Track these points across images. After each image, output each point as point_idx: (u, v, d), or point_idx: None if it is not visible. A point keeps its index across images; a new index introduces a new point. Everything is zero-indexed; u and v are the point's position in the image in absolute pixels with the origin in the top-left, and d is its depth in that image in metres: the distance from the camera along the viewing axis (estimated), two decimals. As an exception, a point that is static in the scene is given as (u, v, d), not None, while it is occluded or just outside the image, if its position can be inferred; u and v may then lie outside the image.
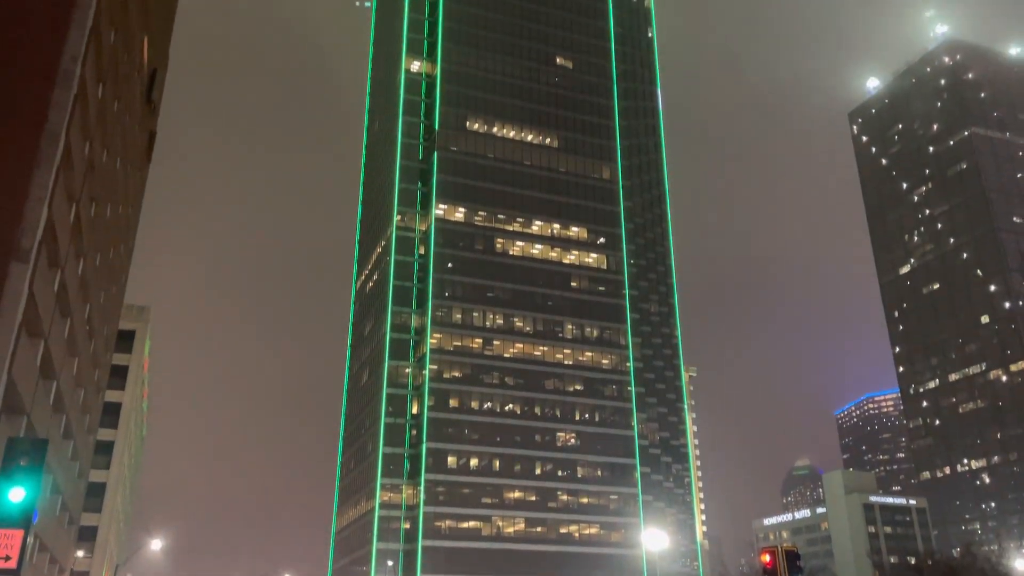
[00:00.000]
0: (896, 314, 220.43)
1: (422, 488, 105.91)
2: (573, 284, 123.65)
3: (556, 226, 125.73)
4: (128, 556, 75.26)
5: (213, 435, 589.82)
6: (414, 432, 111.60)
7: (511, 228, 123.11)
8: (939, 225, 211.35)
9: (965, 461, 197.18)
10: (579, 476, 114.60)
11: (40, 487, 18.86)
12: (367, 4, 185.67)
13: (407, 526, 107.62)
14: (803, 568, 28.54)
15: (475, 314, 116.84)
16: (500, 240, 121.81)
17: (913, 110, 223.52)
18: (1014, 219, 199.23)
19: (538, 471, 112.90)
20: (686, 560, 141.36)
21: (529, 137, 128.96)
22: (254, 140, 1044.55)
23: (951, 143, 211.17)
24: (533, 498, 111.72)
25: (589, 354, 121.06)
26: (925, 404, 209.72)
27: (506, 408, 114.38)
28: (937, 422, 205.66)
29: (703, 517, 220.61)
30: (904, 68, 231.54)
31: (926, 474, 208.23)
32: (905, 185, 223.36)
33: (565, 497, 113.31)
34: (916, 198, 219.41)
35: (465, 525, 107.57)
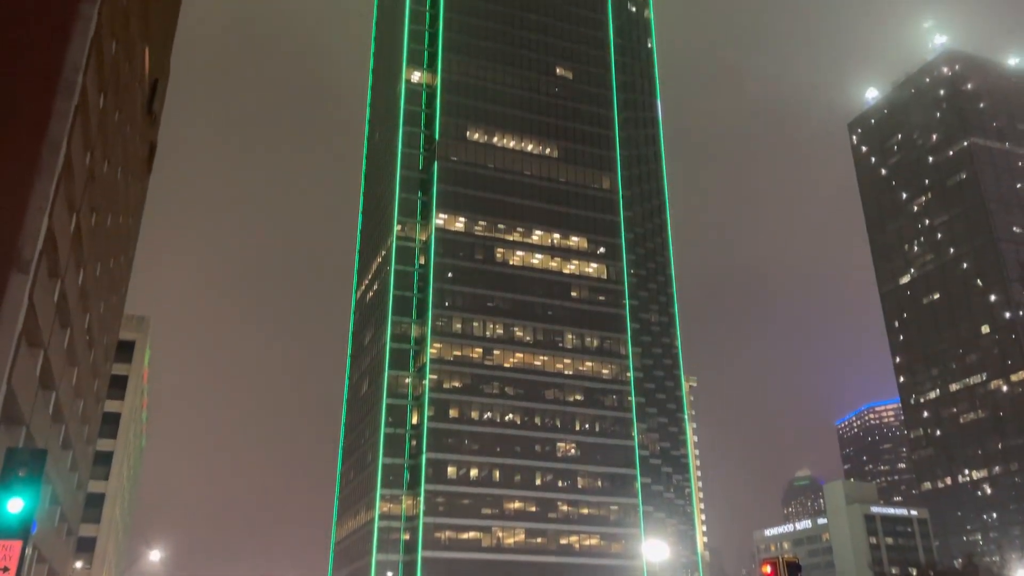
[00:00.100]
0: (896, 324, 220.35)
1: (422, 499, 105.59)
2: (573, 294, 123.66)
3: (556, 236, 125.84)
4: (127, 567, 74.98)
5: (212, 445, 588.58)
6: (414, 442, 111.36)
7: (511, 238, 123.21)
8: (939, 235, 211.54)
9: (966, 471, 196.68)
10: (579, 487, 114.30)
11: (39, 498, 18.78)
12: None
13: (407, 537, 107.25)
14: (805, 579, 28.37)
15: (475, 324, 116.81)
16: (500, 250, 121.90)
17: (912, 120, 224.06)
18: (1014, 229, 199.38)
19: (538, 481, 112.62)
20: (687, 571, 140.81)
21: (529, 147, 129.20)
22: (254, 150, 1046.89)
23: (950, 153, 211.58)
24: (533, 509, 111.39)
25: (589, 364, 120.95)
26: (926, 414, 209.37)
27: (506, 418, 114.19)
28: (938, 432, 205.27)
29: (704, 528, 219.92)
30: (903, 78, 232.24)
31: (927, 484, 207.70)
32: (905, 195, 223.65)
33: (565, 508, 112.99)
34: (916, 208, 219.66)
35: (465, 536, 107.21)
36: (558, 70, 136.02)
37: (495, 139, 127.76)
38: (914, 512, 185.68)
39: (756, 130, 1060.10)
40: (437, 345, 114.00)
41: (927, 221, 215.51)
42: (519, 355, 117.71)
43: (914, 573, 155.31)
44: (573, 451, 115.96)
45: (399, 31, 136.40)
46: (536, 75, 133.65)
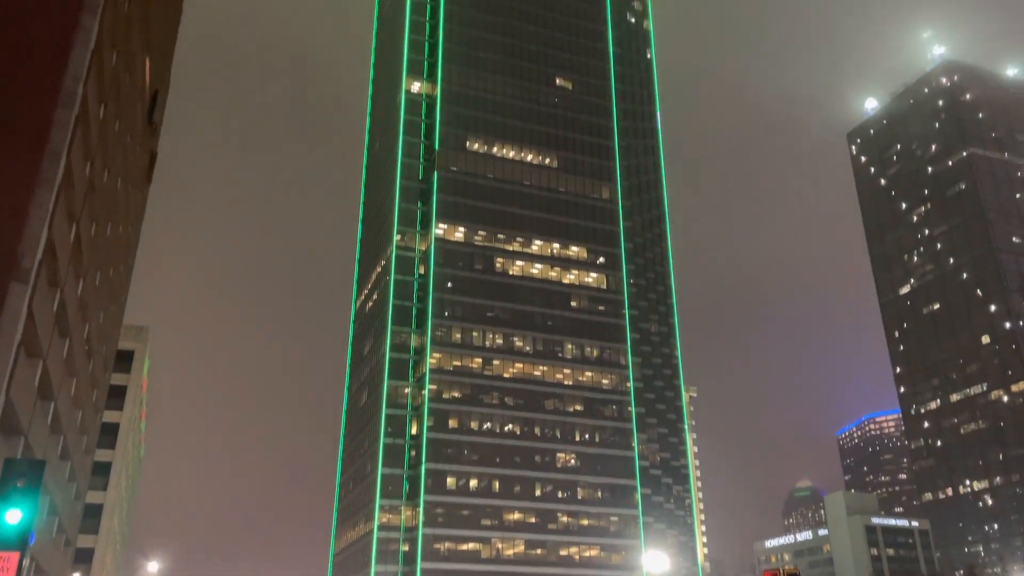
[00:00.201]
0: (896, 334, 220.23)
1: (421, 510, 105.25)
2: (573, 304, 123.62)
3: (556, 246, 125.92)
4: (125, 578, 74.66)
5: (211, 455, 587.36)
6: (413, 453, 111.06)
7: (511, 248, 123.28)
8: (938, 245, 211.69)
9: (967, 482, 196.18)
10: (579, 497, 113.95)
11: (37, 508, 18.69)
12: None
13: (406, 548, 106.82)
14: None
15: (475, 334, 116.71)
16: (500, 260, 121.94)
17: (911, 131, 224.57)
18: (1013, 239, 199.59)
19: (538, 492, 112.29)
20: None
21: (529, 157, 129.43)
22: (254, 159, 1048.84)
23: (950, 163, 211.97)
24: (533, 520, 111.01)
25: (589, 374, 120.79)
26: (927, 425, 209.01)
27: (506, 428, 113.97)
28: (939, 443, 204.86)
29: (704, 539, 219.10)
30: (902, 89, 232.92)
31: (928, 495, 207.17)
32: (904, 205, 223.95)
33: (565, 519, 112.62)
34: (915, 218, 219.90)
35: (464, 547, 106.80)
36: (558, 81, 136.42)
37: (495, 149, 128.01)
38: (915, 523, 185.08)
39: (755, 140, 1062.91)
40: (437, 355, 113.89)
41: (927, 231, 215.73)
42: (519, 365, 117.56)
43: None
44: (573, 462, 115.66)
45: (399, 42, 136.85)
46: (536, 86, 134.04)
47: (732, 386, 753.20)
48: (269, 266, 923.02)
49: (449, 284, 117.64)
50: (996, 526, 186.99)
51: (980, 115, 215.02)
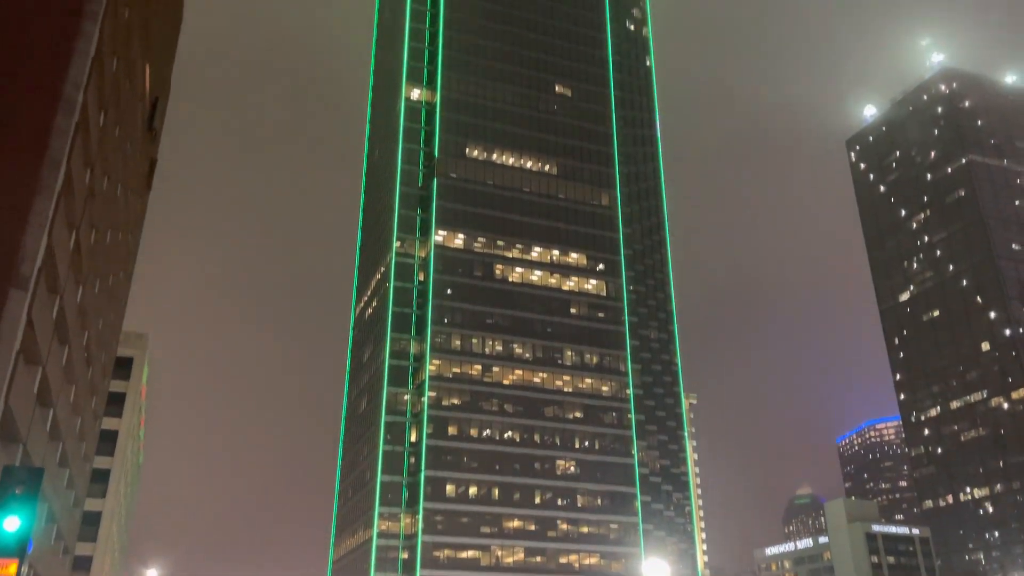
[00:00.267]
0: (896, 341, 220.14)
1: (420, 517, 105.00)
2: (572, 311, 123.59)
3: (555, 253, 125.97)
4: (123, 586, 74.43)
5: (210, 461, 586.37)
6: (413, 460, 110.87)
7: (510, 255, 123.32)
8: (938, 252, 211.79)
9: (968, 490, 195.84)
10: (579, 505, 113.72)
11: (35, 516, 18.64)
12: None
13: (405, 556, 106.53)
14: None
15: (474, 341, 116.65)
16: (499, 267, 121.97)
17: (910, 138, 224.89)
18: (1013, 246, 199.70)
19: (538, 500, 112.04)
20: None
21: (528, 164, 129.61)
22: (254, 166, 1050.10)
23: (949, 170, 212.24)
24: (532, 527, 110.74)
25: (589, 381, 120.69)
26: (927, 432, 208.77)
27: (505, 436, 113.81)
28: (939, 450, 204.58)
29: (704, 547, 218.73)
30: (901, 96, 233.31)
31: (929, 503, 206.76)
32: (903, 212, 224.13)
33: (565, 526, 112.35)
34: (915, 225, 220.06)
35: (464, 555, 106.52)
36: (557, 88, 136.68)
37: (494, 156, 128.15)
38: (916, 531, 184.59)
39: (755, 147, 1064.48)
40: (436, 362, 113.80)
41: (926, 238, 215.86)
42: (518, 372, 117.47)
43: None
44: (572, 469, 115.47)
45: (399, 49, 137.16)
46: (535, 93, 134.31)
47: (732, 393, 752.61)
48: (269, 272, 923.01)
49: (448, 291, 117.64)
50: (997, 534, 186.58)
51: (979, 122, 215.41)
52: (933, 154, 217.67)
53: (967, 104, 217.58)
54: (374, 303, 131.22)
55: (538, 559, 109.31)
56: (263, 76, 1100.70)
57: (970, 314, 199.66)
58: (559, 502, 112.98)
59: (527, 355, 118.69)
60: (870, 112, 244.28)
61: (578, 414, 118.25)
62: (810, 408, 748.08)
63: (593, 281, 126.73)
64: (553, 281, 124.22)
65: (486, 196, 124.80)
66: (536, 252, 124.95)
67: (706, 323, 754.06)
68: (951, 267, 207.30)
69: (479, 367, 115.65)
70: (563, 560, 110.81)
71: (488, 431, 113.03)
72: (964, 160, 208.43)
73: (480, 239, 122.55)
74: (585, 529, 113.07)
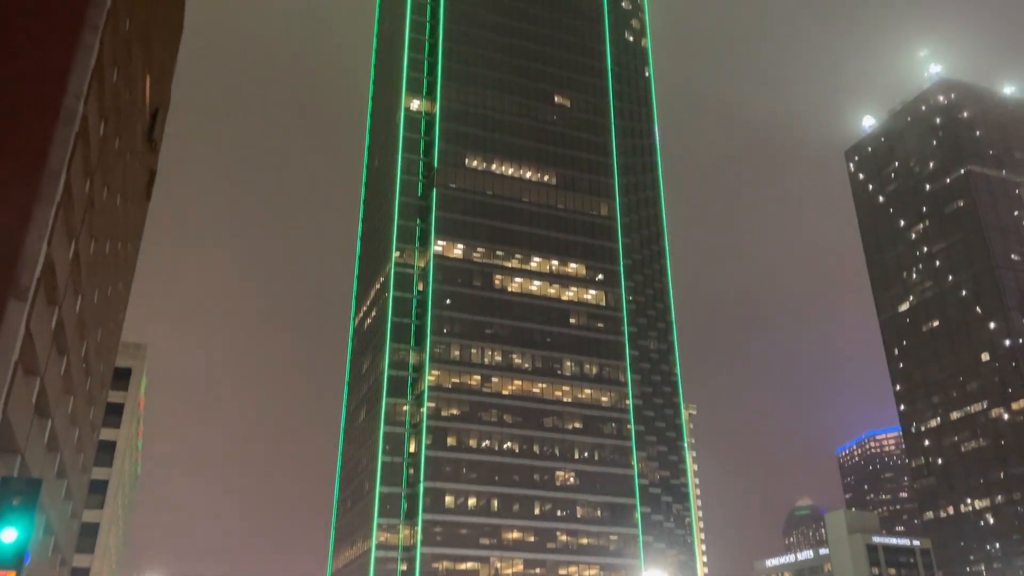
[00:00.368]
0: (896, 352, 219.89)
1: (419, 528, 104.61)
2: (572, 321, 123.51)
3: (555, 262, 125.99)
4: (120, 598, 74.08)
5: (207, 471, 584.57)
6: (412, 471, 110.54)
7: (510, 265, 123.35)
8: (937, 262, 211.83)
9: (968, 501, 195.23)
10: (578, 516, 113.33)
11: (33, 528, 18.54)
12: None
13: (404, 567, 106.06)
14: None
15: (473, 351, 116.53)
16: (499, 276, 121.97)
17: (909, 148, 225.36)
18: (1012, 256, 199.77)
19: (537, 511, 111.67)
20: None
21: (528, 174, 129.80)
22: (253, 175, 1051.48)
23: (947, 181, 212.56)
24: (532, 539, 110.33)
25: (588, 391, 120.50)
26: (927, 443, 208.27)
27: (504, 446, 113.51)
28: (939, 461, 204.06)
29: (704, 558, 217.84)
30: (899, 107, 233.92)
31: (929, 514, 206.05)
32: (903, 222, 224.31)
33: (564, 538, 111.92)
34: (914, 235, 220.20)
35: (463, 566, 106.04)
36: (556, 98, 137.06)
37: (494, 166, 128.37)
38: (917, 542, 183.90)
39: (754, 158, 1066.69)
40: (435, 372, 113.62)
41: (925, 248, 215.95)
42: (518, 382, 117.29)
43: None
44: (572, 480, 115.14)
45: (399, 60, 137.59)
46: (535, 103, 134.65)
47: (732, 403, 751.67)
48: (268, 283, 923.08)
49: (448, 301, 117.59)
50: (998, 545, 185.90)
51: (977, 133, 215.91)
52: (932, 164, 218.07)
53: (965, 115, 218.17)
54: (373, 313, 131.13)
55: (537, 571, 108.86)
56: (263, 86, 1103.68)
57: (970, 324, 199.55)
58: (558, 513, 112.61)
59: (526, 365, 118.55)
60: (869, 123, 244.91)
61: (577, 425, 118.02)
62: (810, 419, 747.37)
63: (592, 291, 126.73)
64: (552, 291, 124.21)
65: (485, 206, 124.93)
66: (535, 262, 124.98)
67: (705, 333, 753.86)
68: (950, 277, 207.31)
69: (478, 377, 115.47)
70: (562, 572, 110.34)
71: (487, 442, 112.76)
72: (963, 170, 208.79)
73: (479, 249, 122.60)
74: (585, 541, 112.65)
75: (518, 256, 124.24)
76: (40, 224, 25.43)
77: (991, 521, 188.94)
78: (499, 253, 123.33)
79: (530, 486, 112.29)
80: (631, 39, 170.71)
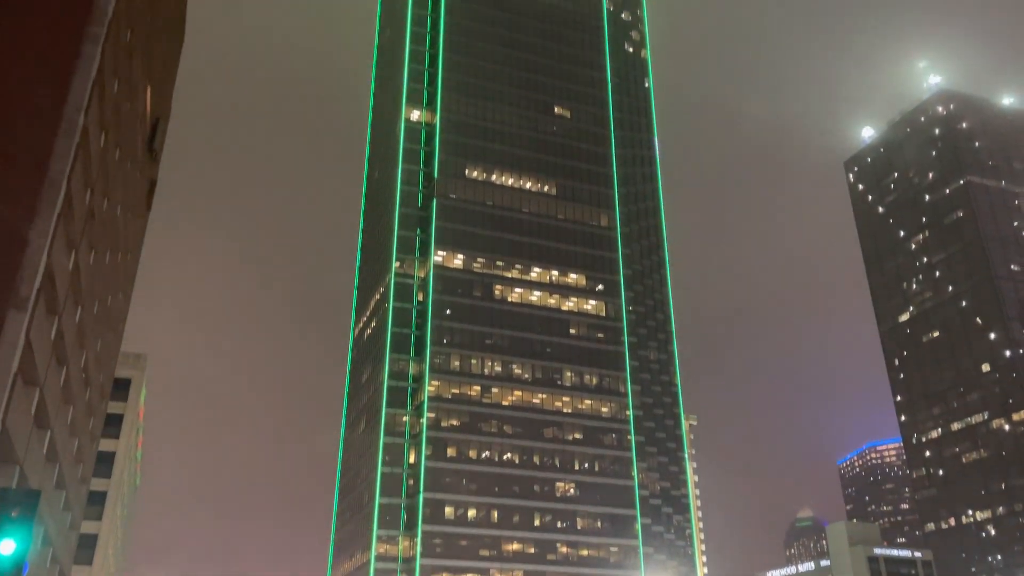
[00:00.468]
0: (896, 362, 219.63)
1: (419, 540, 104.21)
2: (572, 331, 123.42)
3: (554, 273, 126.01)
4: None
5: (207, 481, 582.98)
6: (411, 482, 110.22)
7: (509, 275, 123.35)
8: (937, 273, 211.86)
9: (970, 512, 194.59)
10: (579, 527, 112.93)
11: (31, 539, 18.47)
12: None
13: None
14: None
15: (473, 361, 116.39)
16: (499, 287, 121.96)
17: (908, 159, 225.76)
18: (1012, 267, 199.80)
19: (537, 522, 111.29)
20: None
21: (527, 185, 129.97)
22: (252, 184, 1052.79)
23: (947, 191, 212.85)
24: (532, 550, 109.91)
25: (588, 402, 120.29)
26: (928, 454, 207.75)
27: (504, 457, 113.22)
28: (940, 472, 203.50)
29: (705, 570, 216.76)
30: (899, 117, 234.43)
31: (931, 525, 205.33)
32: (902, 233, 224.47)
33: (564, 549, 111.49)
34: (914, 246, 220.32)
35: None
36: (556, 109, 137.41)
37: (494, 177, 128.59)
38: (918, 554, 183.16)
39: (753, 168, 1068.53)
40: (435, 383, 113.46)
41: (925, 259, 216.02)
42: (517, 393, 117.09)
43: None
44: (572, 491, 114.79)
45: (399, 70, 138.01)
46: (535, 114, 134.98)
47: (732, 414, 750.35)
48: (268, 293, 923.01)
49: (448, 311, 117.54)
50: (999, 556, 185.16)
51: (976, 143, 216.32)
52: (931, 175, 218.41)
53: (964, 125, 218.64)
54: (373, 323, 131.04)
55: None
56: (263, 97, 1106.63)
57: (970, 335, 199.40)
58: (558, 524, 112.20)
59: (526, 376, 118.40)
60: (868, 133, 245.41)
61: (577, 435, 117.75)
62: (811, 429, 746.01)
63: (592, 301, 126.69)
64: (552, 301, 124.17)
65: (485, 216, 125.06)
66: (535, 272, 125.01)
67: (706, 344, 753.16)
68: (950, 288, 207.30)
69: (478, 388, 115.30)
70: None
71: (487, 452, 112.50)
72: (962, 181, 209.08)
73: (479, 259, 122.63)
74: (585, 552, 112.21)
75: (518, 266, 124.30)
76: (40, 234, 25.44)
77: (992, 532, 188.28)
78: (499, 263, 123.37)
79: (530, 497, 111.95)
80: (631, 50, 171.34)
